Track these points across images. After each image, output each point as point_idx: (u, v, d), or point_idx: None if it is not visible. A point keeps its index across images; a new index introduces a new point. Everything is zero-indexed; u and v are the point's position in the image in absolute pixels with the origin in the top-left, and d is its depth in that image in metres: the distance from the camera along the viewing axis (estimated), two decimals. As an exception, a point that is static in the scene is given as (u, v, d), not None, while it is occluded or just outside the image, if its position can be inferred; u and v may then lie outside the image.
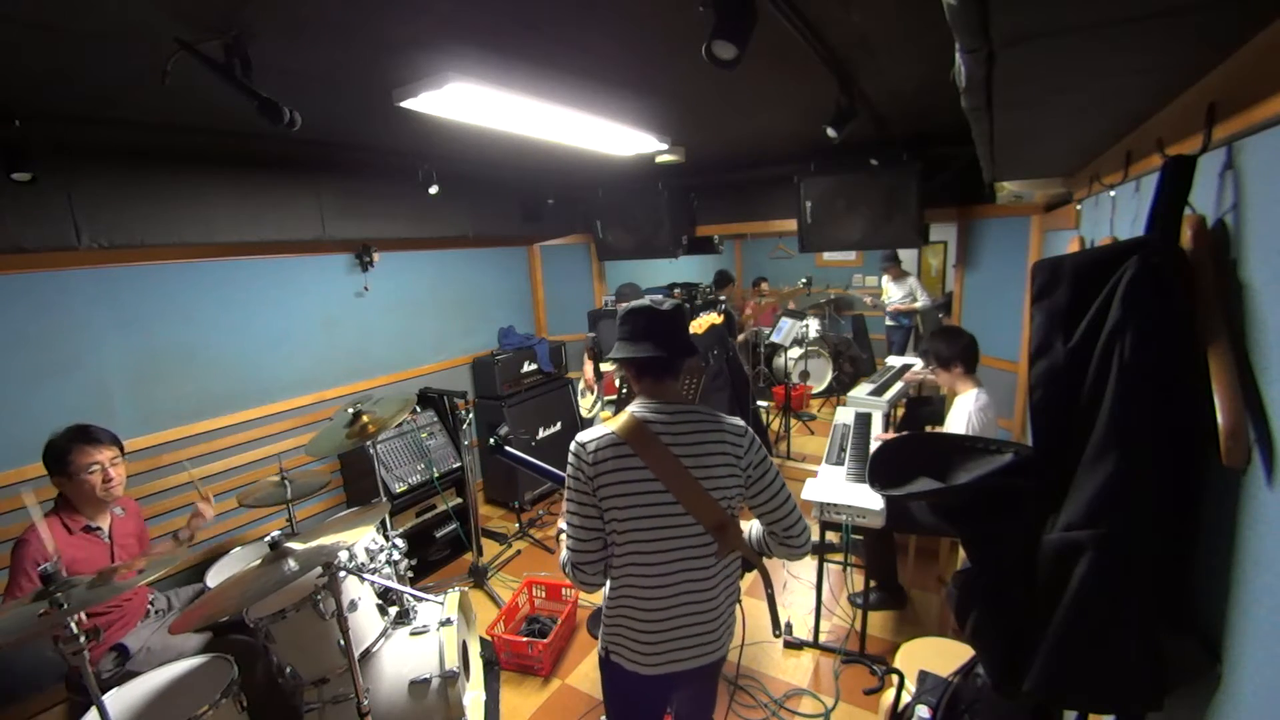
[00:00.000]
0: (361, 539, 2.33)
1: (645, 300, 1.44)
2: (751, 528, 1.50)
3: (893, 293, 6.12)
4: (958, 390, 2.72)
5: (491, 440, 2.28)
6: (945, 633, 2.61)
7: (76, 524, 2.05)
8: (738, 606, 1.50)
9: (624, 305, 1.46)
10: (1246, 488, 0.77)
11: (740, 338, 5.75)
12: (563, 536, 1.47)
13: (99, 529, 2.11)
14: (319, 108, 1.91)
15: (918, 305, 5.94)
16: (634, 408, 1.38)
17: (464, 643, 2.25)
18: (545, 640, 2.69)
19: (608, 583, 1.42)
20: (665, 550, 1.32)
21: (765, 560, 1.46)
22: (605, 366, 3.88)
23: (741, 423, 1.40)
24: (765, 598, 1.45)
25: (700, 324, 3.53)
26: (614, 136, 2.38)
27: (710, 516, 1.31)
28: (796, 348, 6.33)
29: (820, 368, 6.44)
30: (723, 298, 4.40)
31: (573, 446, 1.35)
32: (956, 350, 2.72)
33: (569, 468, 1.35)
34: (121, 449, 2.15)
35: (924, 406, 3.59)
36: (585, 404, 4.18)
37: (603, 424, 1.36)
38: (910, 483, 1.07)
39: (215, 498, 3.01)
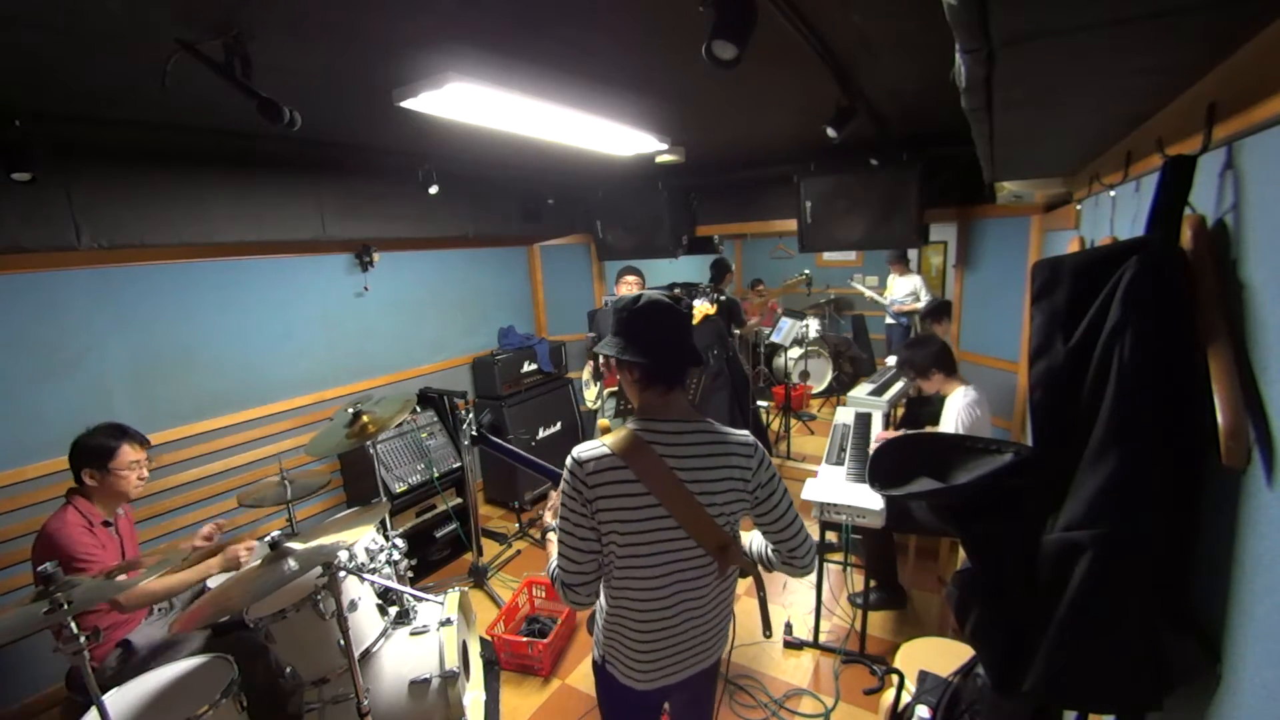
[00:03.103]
0: (361, 539, 2.33)
1: (656, 294, 1.33)
2: (753, 540, 1.46)
3: (896, 289, 6.08)
4: (946, 392, 2.73)
5: (473, 431, 2.25)
6: (945, 633, 2.61)
7: (96, 518, 2.07)
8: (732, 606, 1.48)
9: (629, 295, 1.34)
10: (1246, 488, 0.77)
11: (751, 323, 5.67)
12: (550, 535, 1.43)
13: (112, 525, 2.13)
14: (319, 108, 1.90)
15: (920, 306, 5.90)
16: (634, 423, 1.30)
17: (464, 643, 2.24)
18: (545, 640, 2.69)
19: (603, 591, 1.38)
20: (664, 572, 1.28)
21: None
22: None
23: (751, 438, 1.33)
24: (758, 601, 1.42)
25: (694, 314, 3.38)
26: (614, 136, 2.38)
27: (711, 539, 1.27)
28: (796, 348, 6.32)
29: (820, 368, 6.43)
30: (723, 291, 4.32)
31: (569, 463, 1.27)
32: (927, 357, 2.71)
33: (564, 484, 1.28)
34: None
35: (924, 406, 3.58)
36: (590, 395, 4.13)
37: (600, 439, 1.29)
38: (910, 483, 1.07)
39: (215, 498, 3.04)
